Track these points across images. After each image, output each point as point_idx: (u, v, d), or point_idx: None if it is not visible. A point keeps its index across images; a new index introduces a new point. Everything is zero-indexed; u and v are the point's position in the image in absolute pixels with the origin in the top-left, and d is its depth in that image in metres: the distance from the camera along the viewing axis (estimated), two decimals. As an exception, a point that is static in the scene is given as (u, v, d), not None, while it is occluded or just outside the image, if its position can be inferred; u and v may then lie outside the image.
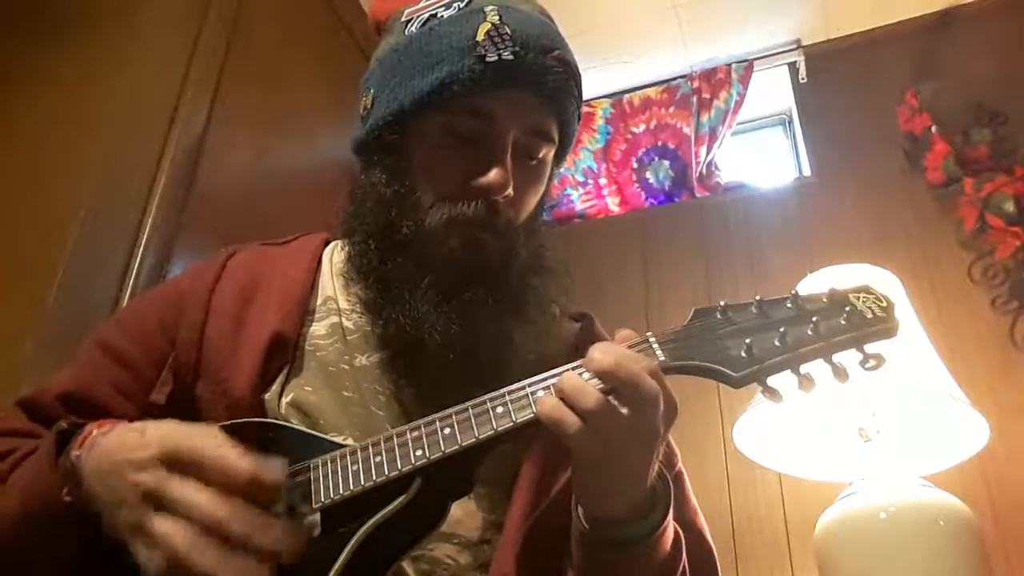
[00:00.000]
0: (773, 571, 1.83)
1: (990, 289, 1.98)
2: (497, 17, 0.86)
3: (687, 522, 0.87)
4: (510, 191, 0.85)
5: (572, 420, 0.66)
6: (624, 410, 0.66)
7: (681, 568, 0.78)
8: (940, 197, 2.12)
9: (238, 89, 1.70)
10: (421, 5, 0.93)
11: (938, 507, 1.45)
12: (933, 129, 2.17)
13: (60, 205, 1.35)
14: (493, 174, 0.83)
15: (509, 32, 0.85)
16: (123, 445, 0.67)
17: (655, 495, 0.73)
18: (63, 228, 1.32)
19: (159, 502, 0.63)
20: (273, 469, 0.65)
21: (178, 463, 0.64)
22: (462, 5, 0.89)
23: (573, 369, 0.70)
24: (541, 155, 0.89)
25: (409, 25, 0.91)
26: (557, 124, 0.90)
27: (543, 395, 0.69)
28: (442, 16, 0.89)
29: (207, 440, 0.65)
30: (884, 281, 1.66)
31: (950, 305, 1.98)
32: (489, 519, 0.82)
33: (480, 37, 0.84)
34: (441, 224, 0.84)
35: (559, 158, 0.95)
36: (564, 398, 0.67)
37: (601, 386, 0.67)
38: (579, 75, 0.92)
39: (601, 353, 0.68)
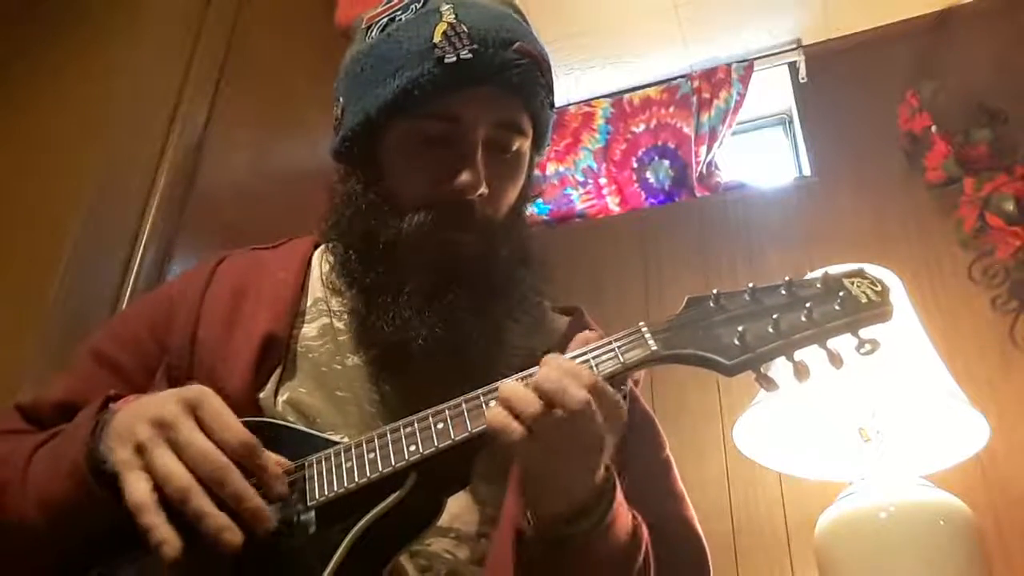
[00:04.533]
0: (773, 571, 1.83)
1: (990, 289, 1.98)
2: (453, 16, 0.85)
3: (672, 511, 0.88)
4: (484, 189, 0.84)
5: (516, 428, 0.66)
6: (560, 418, 0.66)
7: (643, 553, 0.78)
8: (940, 197, 2.12)
9: (238, 89, 1.70)
10: (380, 9, 0.92)
11: (938, 507, 1.45)
12: (933, 129, 2.16)
13: (60, 205, 1.35)
14: (464, 175, 0.83)
15: (466, 30, 0.84)
16: (149, 399, 0.70)
17: (600, 492, 0.74)
18: (63, 228, 1.32)
19: (168, 432, 0.66)
20: (276, 457, 0.69)
21: (193, 409, 0.67)
22: (419, 7, 0.89)
23: (522, 379, 0.70)
24: (515, 148, 0.89)
25: (370, 31, 0.91)
26: (528, 115, 0.89)
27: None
28: (400, 20, 0.89)
29: (225, 405, 0.69)
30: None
31: (950, 305, 1.98)
32: (486, 513, 0.83)
33: (437, 38, 0.84)
34: (417, 230, 0.84)
35: (537, 148, 0.94)
36: (504, 404, 0.67)
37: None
38: (546, 62, 0.91)
39: (543, 364, 0.69)
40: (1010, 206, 1.99)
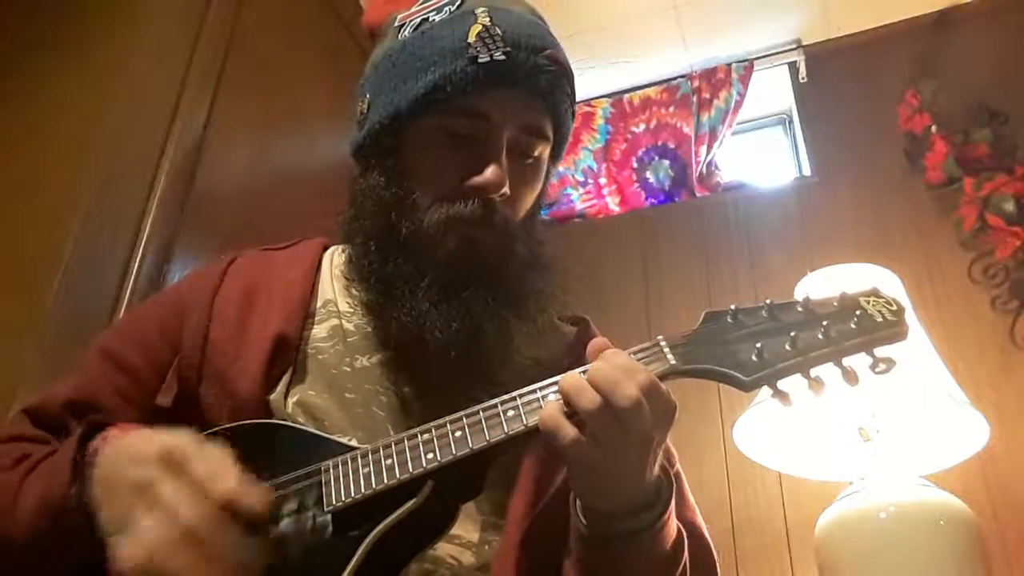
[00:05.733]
0: (773, 571, 1.83)
1: (990, 289, 1.98)
2: (488, 19, 0.87)
3: (685, 521, 0.88)
4: (506, 189, 0.86)
5: (568, 430, 0.67)
6: (615, 414, 0.66)
7: (683, 566, 0.78)
8: (940, 197, 2.12)
9: (238, 89, 1.70)
10: (413, 10, 0.94)
11: (938, 507, 1.45)
12: (933, 129, 2.17)
13: (60, 205, 1.35)
14: (489, 172, 0.84)
15: (500, 32, 0.86)
16: (132, 444, 0.68)
17: (656, 490, 0.74)
18: (63, 228, 1.32)
19: (149, 498, 0.64)
20: (258, 494, 0.65)
21: (172, 463, 0.65)
22: (453, 8, 0.90)
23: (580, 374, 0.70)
24: (536, 153, 0.90)
25: (402, 30, 0.93)
26: (551, 122, 0.91)
27: (553, 398, 0.69)
28: (434, 20, 0.90)
29: (208, 452, 0.66)
30: (884, 281, 1.66)
31: (950, 305, 1.97)
32: (490, 520, 0.83)
33: (471, 38, 0.86)
34: (439, 224, 0.85)
35: (555, 156, 0.96)
36: (564, 396, 0.68)
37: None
38: (571, 73, 0.93)
39: (599, 359, 0.69)
40: (1010, 206, 1.99)
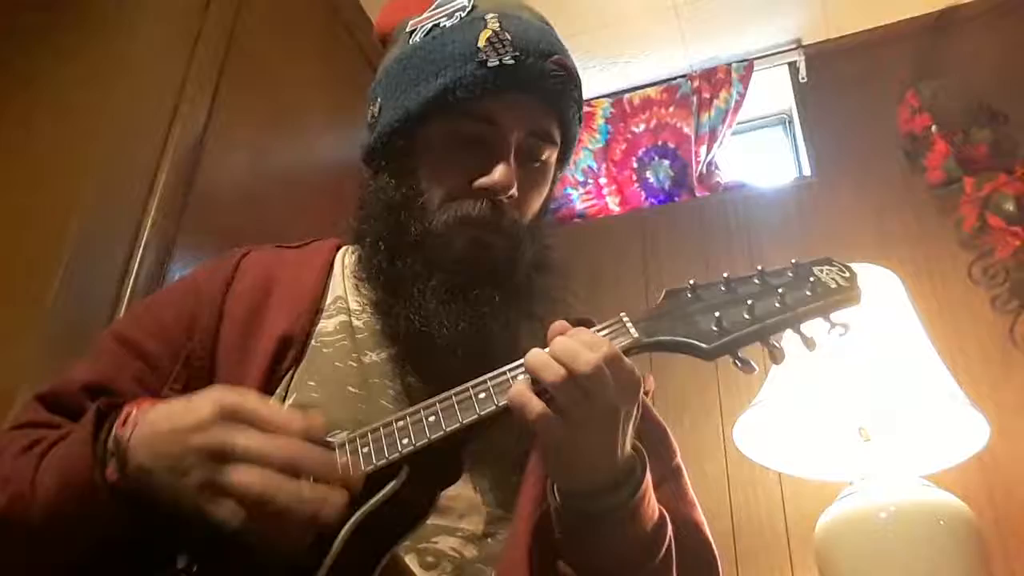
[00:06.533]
0: (773, 571, 1.83)
1: (990, 289, 1.98)
2: (497, 24, 0.89)
3: (684, 514, 0.88)
4: (514, 191, 0.87)
5: (536, 404, 0.68)
6: (578, 384, 0.68)
7: (666, 548, 0.79)
8: (940, 197, 2.12)
9: (238, 89, 1.70)
10: (424, 16, 0.95)
11: (938, 507, 1.45)
12: (933, 129, 2.17)
13: (60, 205, 1.35)
14: (497, 174, 0.86)
15: (509, 38, 0.88)
16: (173, 414, 0.68)
17: (629, 469, 0.75)
18: (63, 228, 1.32)
19: (226, 457, 0.64)
20: (317, 418, 0.69)
21: (236, 418, 0.66)
22: (464, 14, 0.92)
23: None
24: (544, 157, 0.92)
25: (413, 35, 0.94)
26: (559, 126, 0.93)
27: (523, 378, 0.71)
28: (444, 25, 0.92)
29: (256, 398, 0.69)
30: (884, 280, 1.66)
31: (950, 305, 1.98)
32: (494, 513, 0.83)
33: (481, 43, 0.87)
34: (448, 225, 0.87)
35: (562, 161, 0.98)
36: (529, 372, 0.70)
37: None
38: (579, 79, 0.95)
39: (560, 336, 0.71)
40: (1010, 206, 1.99)
